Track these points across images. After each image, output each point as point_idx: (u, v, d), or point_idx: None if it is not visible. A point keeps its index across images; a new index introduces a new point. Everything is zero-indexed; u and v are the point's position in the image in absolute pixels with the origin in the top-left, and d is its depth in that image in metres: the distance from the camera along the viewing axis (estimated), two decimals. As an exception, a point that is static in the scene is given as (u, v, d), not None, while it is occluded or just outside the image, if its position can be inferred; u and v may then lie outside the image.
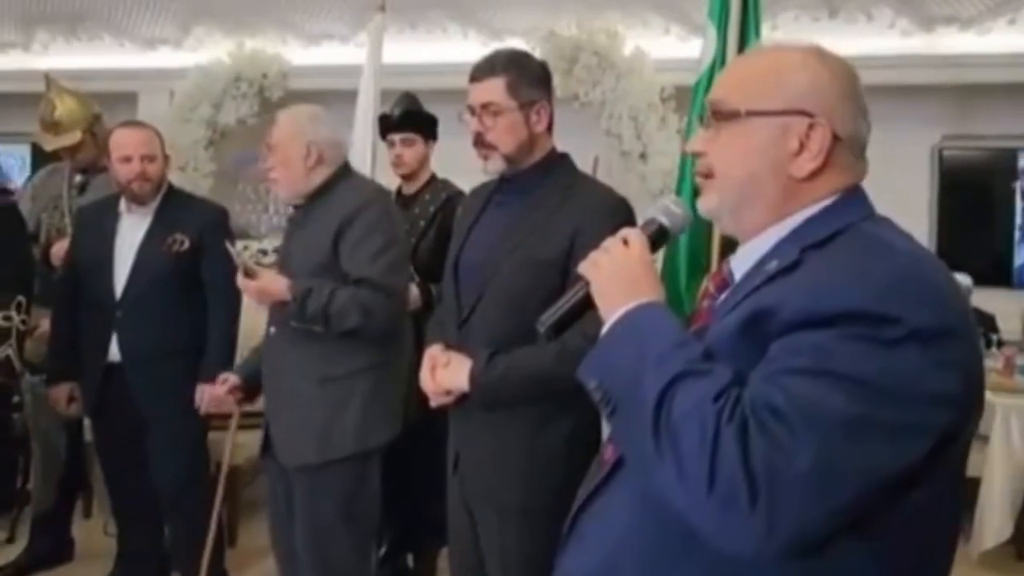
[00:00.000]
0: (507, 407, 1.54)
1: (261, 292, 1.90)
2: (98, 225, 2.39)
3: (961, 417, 0.76)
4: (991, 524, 2.73)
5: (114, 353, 2.30)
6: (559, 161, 1.64)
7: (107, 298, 2.30)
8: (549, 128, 1.62)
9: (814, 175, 0.87)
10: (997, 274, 4.06)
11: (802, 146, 0.87)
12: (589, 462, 1.64)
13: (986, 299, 3.79)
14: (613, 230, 1.55)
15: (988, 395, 2.86)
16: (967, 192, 4.18)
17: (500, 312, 1.54)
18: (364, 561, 2.03)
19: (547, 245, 1.52)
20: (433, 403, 1.62)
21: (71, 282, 2.44)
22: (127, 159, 2.31)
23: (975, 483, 2.74)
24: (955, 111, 4.11)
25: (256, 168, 2.11)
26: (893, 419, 0.73)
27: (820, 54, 0.91)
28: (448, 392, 1.57)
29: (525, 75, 1.59)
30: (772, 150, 0.88)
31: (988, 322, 3.80)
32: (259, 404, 2.24)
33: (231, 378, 2.13)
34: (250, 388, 2.15)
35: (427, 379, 1.60)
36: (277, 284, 1.88)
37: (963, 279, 3.74)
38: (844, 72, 0.90)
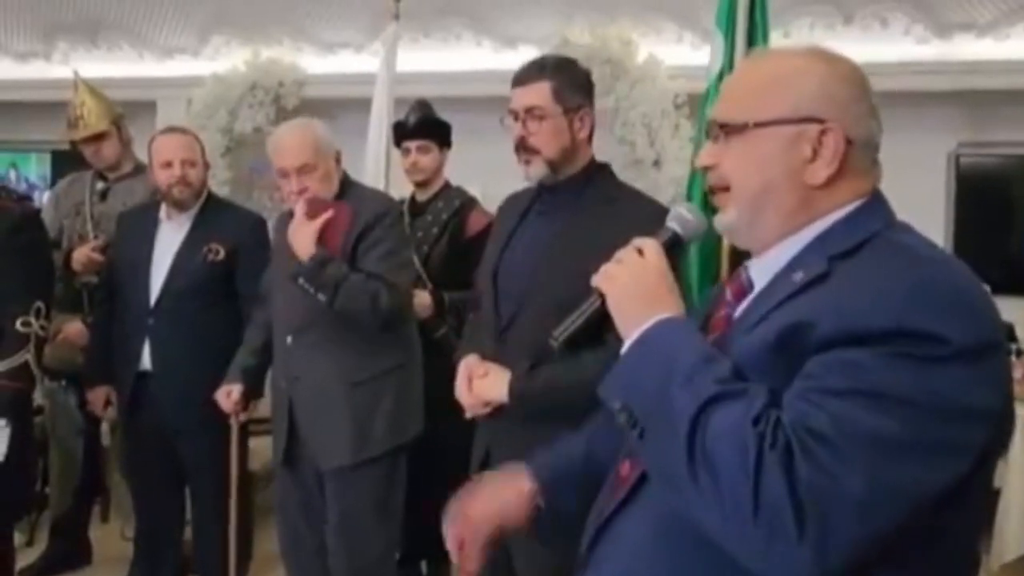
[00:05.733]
0: (545, 419, 1.49)
1: (294, 233, 1.90)
2: (138, 231, 2.41)
3: (1000, 431, 0.76)
4: (1011, 536, 2.69)
5: (145, 361, 2.32)
6: (600, 171, 1.60)
7: (141, 305, 2.32)
8: (590, 137, 1.59)
9: (831, 181, 0.86)
10: (1015, 282, 4.00)
11: (815, 153, 0.85)
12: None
13: (1004, 308, 3.73)
14: None
15: (1007, 405, 2.86)
16: (984, 199, 4.13)
17: (541, 323, 1.48)
18: (392, 558, 2.07)
19: (591, 257, 1.48)
20: (469, 414, 1.58)
21: (110, 286, 2.47)
22: (168, 164, 2.32)
23: (994, 494, 2.71)
24: (972, 118, 4.08)
25: (273, 177, 2.12)
26: (938, 438, 0.71)
27: (825, 56, 0.89)
28: (486, 404, 1.54)
29: (571, 81, 1.56)
30: (785, 159, 0.86)
31: (1007, 332, 3.76)
32: (266, 410, 2.26)
33: (234, 390, 2.15)
34: (251, 389, 2.19)
35: (463, 390, 1.56)
36: (306, 238, 1.88)
37: (980, 287, 3.72)
38: (852, 73, 0.88)
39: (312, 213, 1.91)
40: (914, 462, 0.71)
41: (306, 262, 1.87)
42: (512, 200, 1.72)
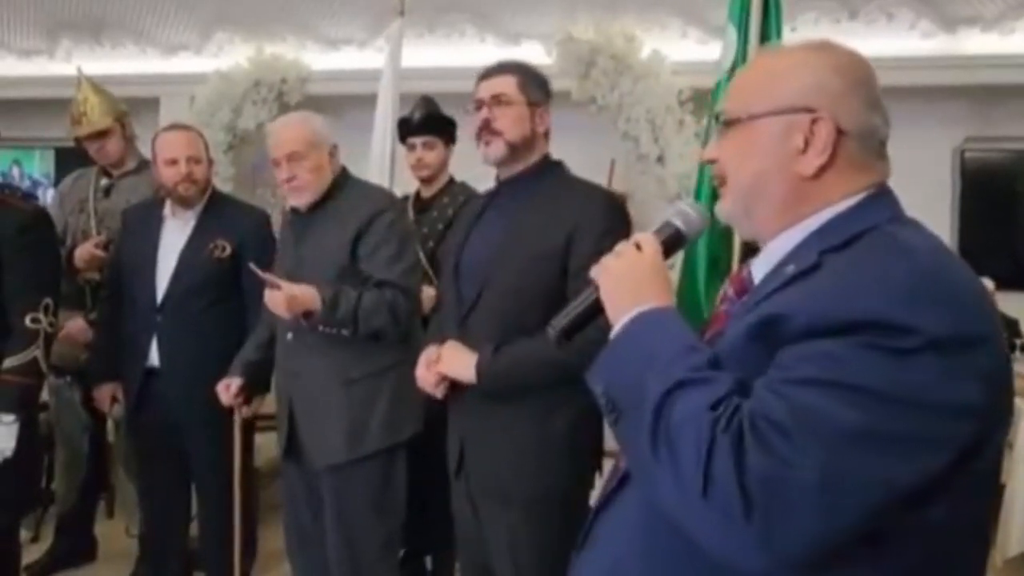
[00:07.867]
0: (513, 397, 1.56)
1: (291, 301, 1.86)
2: (142, 228, 2.39)
3: (983, 428, 0.72)
4: (1016, 531, 2.68)
5: (153, 358, 2.31)
6: (554, 166, 1.69)
7: (148, 303, 2.31)
8: (547, 135, 1.68)
9: (823, 172, 0.85)
10: (1021, 277, 4.00)
11: (807, 143, 0.84)
12: (593, 450, 1.66)
13: (1010, 303, 3.73)
14: (608, 224, 1.55)
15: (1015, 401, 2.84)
16: (990, 194, 4.12)
17: (501, 306, 1.58)
18: (391, 556, 2.07)
19: (545, 240, 1.57)
20: (428, 390, 1.66)
21: (114, 284, 2.46)
22: (173, 161, 2.31)
23: (999, 489, 2.70)
24: (977, 113, 4.06)
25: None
26: (907, 432, 0.69)
27: (824, 49, 0.89)
28: (443, 379, 1.61)
29: (533, 79, 1.67)
30: (777, 149, 0.86)
31: (1012, 326, 3.74)
32: (271, 407, 2.26)
33: (233, 383, 2.14)
34: (253, 383, 2.18)
35: (423, 373, 1.64)
36: (306, 292, 1.88)
37: (986, 283, 3.71)
38: (851, 64, 0.87)
39: (273, 285, 1.87)
40: (877, 455, 0.69)
41: (318, 311, 1.87)
42: (474, 200, 1.81)
